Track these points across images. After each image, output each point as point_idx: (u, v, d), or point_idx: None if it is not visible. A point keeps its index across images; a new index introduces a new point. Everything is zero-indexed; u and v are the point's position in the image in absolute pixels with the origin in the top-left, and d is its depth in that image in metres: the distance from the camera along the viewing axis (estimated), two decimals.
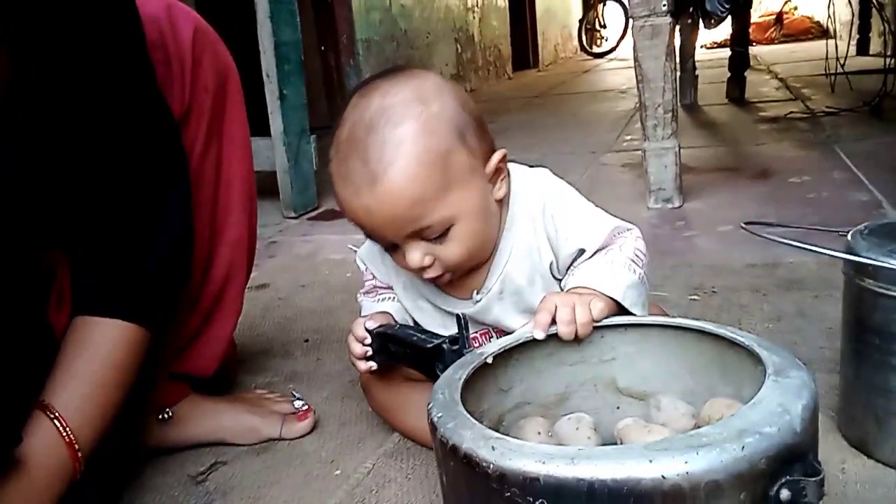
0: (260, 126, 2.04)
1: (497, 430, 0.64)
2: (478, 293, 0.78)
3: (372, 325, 0.77)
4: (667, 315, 0.82)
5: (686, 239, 1.50)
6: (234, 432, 0.89)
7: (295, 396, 0.95)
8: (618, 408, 0.66)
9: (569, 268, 0.75)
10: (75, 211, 0.70)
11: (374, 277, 0.86)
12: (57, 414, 0.64)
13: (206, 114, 0.84)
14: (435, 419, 0.52)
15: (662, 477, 0.42)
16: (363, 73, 3.58)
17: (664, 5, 1.59)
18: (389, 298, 0.85)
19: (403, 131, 0.67)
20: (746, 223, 0.74)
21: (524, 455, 0.46)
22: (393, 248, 0.73)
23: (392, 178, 0.66)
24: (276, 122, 2.00)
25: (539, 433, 0.61)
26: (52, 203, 0.68)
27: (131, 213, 0.72)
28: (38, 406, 0.64)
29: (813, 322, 1.04)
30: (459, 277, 0.76)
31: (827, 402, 0.82)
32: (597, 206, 0.78)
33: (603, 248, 0.74)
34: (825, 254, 0.65)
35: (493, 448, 0.47)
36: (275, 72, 1.96)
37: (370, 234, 0.73)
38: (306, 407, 0.93)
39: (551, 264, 0.76)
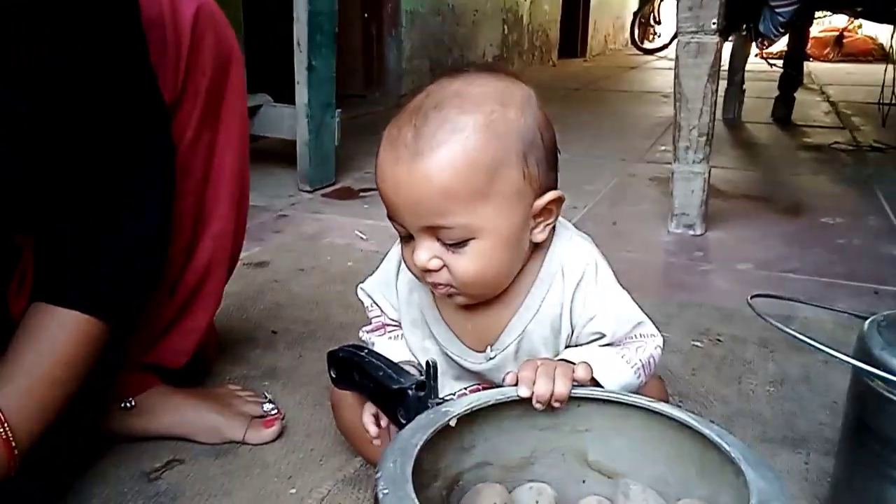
0: (287, 93, 2.00)
1: (453, 490, 0.60)
2: (492, 348, 0.72)
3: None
4: (666, 392, 0.77)
5: (701, 273, 1.43)
6: (197, 429, 0.86)
7: (266, 398, 0.93)
8: (584, 481, 0.62)
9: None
10: (48, 191, 0.67)
11: (381, 314, 0.80)
12: None
13: (200, 99, 0.80)
14: (380, 494, 0.48)
15: None
16: (404, 45, 3.51)
17: (714, 23, 1.50)
18: (398, 337, 0.79)
19: (468, 120, 0.62)
20: (755, 295, 0.69)
21: None
22: (407, 239, 0.67)
23: (435, 158, 0.61)
24: (301, 93, 1.95)
25: (496, 503, 0.57)
26: (26, 181, 0.65)
27: (104, 199, 0.68)
28: None
29: (817, 392, 0.98)
30: (473, 311, 0.70)
31: (817, 490, 0.77)
32: (630, 295, 0.71)
33: (621, 342, 0.69)
34: (830, 354, 0.60)
35: None
36: (306, 41, 1.91)
37: (390, 213, 0.66)
38: (275, 412, 0.90)
39: (568, 337, 0.70)
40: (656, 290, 1.34)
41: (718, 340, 1.13)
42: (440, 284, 0.66)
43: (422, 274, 0.66)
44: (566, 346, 0.70)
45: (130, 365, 0.85)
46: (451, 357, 0.74)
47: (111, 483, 0.79)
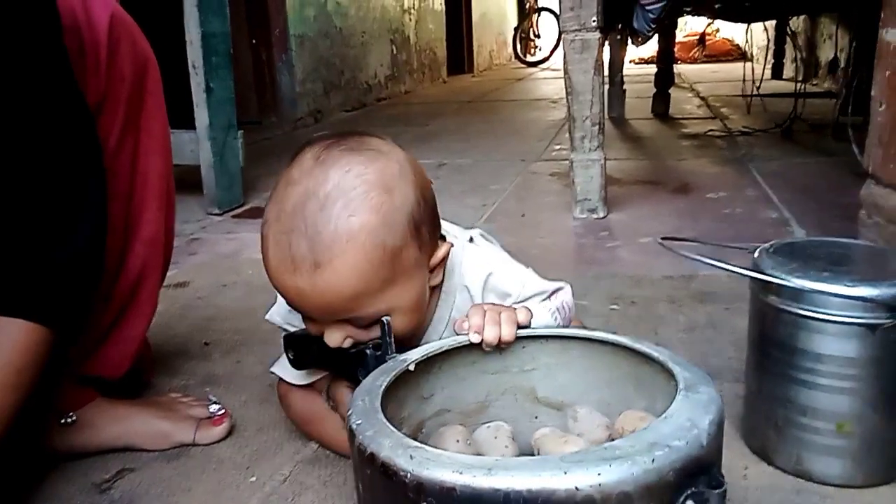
0: (185, 119, 1.97)
1: (416, 438, 0.64)
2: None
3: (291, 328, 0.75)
4: (586, 329, 0.84)
5: (609, 250, 1.54)
6: (144, 437, 0.85)
7: (211, 400, 0.93)
8: (536, 417, 0.67)
9: None
10: None
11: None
12: None
13: (122, 105, 0.80)
14: (354, 426, 0.51)
15: (576, 488, 0.43)
16: (296, 69, 3.52)
17: (594, 21, 1.63)
18: None
19: (359, 223, 0.62)
20: (663, 238, 0.77)
21: (442, 465, 0.46)
22: (310, 319, 0.69)
23: (337, 269, 0.62)
24: (201, 116, 1.94)
25: (458, 441, 0.62)
26: None
27: (39, 204, 0.68)
28: None
29: (723, 333, 1.09)
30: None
31: (732, 410, 0.86)
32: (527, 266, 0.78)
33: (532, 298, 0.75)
34: (732, 271, 0.69)
35: (410, 457, 0.47)
36: (201, 63, 1.90)
37: (290, 306, 0.68)
38: (222, 411, 0.90)
39: None
40: (572, 267, 1.44)
41: (632, 303, 1.22)
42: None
43: None
44: None
45: (68, 378, 0.83)
46: None
47: (62, 499, 0.78)
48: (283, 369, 0.81)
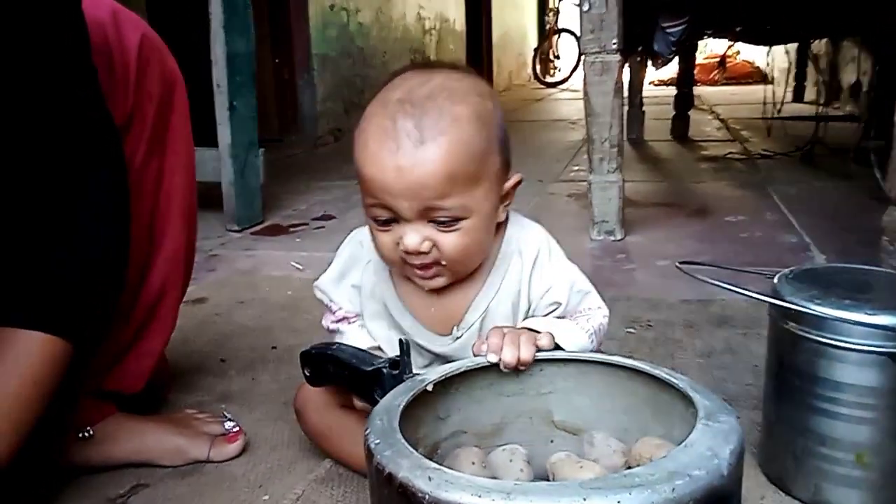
0: (208, 137, 2.00)
1: (432, 459, 0.64)
2: (458, 328, 0.77)
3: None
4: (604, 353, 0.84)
5: (626, 272, 1.53)
6: (159, 453, 0.86)
7: (226, 417, 0.93)
8: (552, 441, 0.67)
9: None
10: None
11: (339, 308, 0.82)
12: None
13: (148, 123, 0.82)
14: (372, 445, 0.51)
15: None
16: (317, 88, 3.56)
17: (614, 43, 1.64)
18: (359, 324, 0.82)
19: (462, 110, 0.68)
20: (681, 262, 0.77)
21: (460, 487, 0.46)
22: (387, 225, 0.70)
23: (441, 145, 0.66)
24: (224, 134, 1.97)
25: (473, 463, 0.61)
26: None
27: (62, 217, 0.69)
28: None
29: (740, 359, 1.08)
30: (438, 296, 0.75)
31: (750, 438, 0.85)
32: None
33: (573, 313, 0.76)
34: (751, 296, 0.68)
35: (429, 479, 0.47)
36: (226, 83, 1.93)
37: (377, 196, 0.68)
38: (237, 428, 0.90)
39: (526, 312, 0.76)
40: None
41: (649, 325, 1.21)
42: (426, 266, 0.71)
43: (403, 258, 0.71)
44: (524, 319, 0.76)
45: (86, 393, 0.84)
46: (417, 344, 0.78)
47: None
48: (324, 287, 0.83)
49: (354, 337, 0.79)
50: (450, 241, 0.70)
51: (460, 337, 0.76)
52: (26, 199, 0.68)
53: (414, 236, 0.69)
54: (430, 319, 0.77)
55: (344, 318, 0.82)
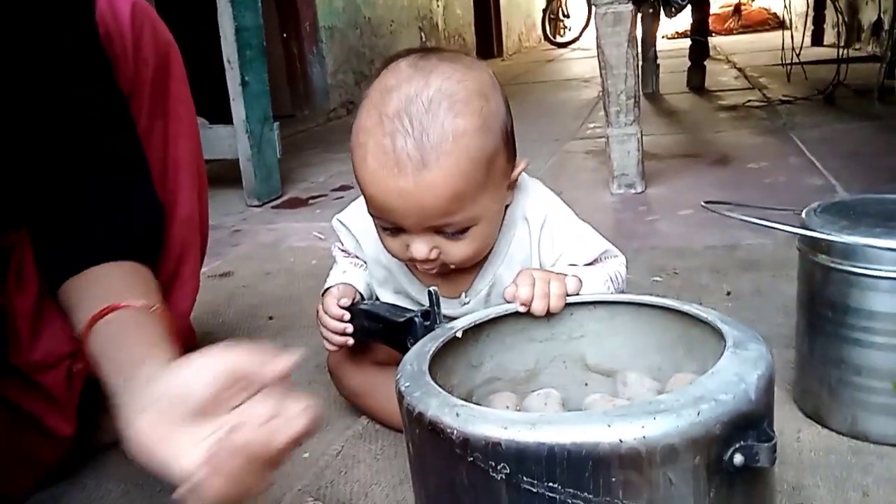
0: (222, 113, 2.01)
1: None
2: (466, 294, 0.77)
3: (346, 301, 0.77)
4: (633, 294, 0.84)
5: (648, 223, 1.52)
6: None
7: None
8: (586, 384, 0.67)
9: None
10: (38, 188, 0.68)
11: (349, 249, 0.85)
12: None
13: (146, 90, 0.83)
14: (402, 388, 0.52)
15: (620, 441, 0.43)
16: (326, 61, 3.55)
17: None
18: (362, 267, 0.84)
19: (465, 124, 0.64)
20: (707, 202, 0.76)
21: (487, 421, 0.46)
22: (394, 233, 0.69)
23: (443, 167, 0.63)
24: (238, 110, 1.97)
25: (508, 407, 0.62)
26: (16, 182, 0.67)
27: (106, 187, 0.71)
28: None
29: (770, 300, 1.07)
30: (450, 273, 0.74)
31: (783, 376, 0.85)
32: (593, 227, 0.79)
33: (590, 264, 0.75)
34: (781, 229, 0.67)
35: (457, 415, 0.47)
36: (236, 58, 1.93)
37: (381, 215, 0.68)
38: None
39: None
40: (611, 241, 1.42)
41: (675, 273, 1.21)
42: (431, 266, 0.70)
43: (416, 262, 0.70)
44: None
45: None
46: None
47: (124, 478, 0.80)
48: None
49: (343, 268, 0.84)
50: (457, 250, 0.69)
51: (468, 303, 0.77)
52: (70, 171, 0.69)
53: (422, 247, 0.67)
54: (438, 286, 0.77)
55: (352, 255, 0.85)
